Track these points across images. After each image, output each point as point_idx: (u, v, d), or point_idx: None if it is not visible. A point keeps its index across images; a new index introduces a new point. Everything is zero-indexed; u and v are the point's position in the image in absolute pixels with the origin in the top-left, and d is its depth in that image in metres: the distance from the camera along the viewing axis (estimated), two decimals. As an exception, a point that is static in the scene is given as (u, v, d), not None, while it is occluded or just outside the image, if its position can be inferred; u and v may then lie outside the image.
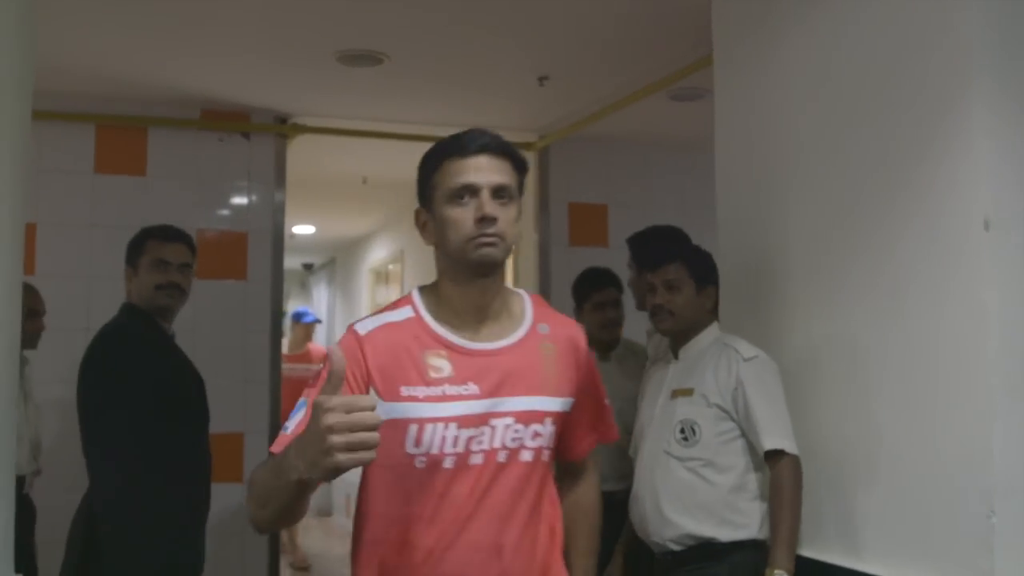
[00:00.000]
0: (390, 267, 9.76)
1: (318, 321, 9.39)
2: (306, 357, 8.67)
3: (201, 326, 5.14)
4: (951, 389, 2.47)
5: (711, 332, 3.11)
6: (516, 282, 6.30)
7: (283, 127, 5.42)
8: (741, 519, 2.88)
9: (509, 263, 6.52)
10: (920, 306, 2.57)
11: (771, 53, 3.23)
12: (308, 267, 13.59)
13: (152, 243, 3.37)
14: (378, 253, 10.00)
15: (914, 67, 2.62)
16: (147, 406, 3.15)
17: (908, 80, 2.64)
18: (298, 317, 9.03)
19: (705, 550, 2.88)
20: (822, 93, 2.99)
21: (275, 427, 5.33)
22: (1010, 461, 2.36)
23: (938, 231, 2.51)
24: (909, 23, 2.64)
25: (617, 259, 4.92)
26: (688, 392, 2.99)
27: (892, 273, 2.67)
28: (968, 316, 2.42)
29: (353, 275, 11.15)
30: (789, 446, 2.81)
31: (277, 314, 5.39)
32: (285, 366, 6.68)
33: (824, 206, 2.96)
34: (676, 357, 3.15)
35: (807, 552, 2.88)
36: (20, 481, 3.99)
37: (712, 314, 3.16)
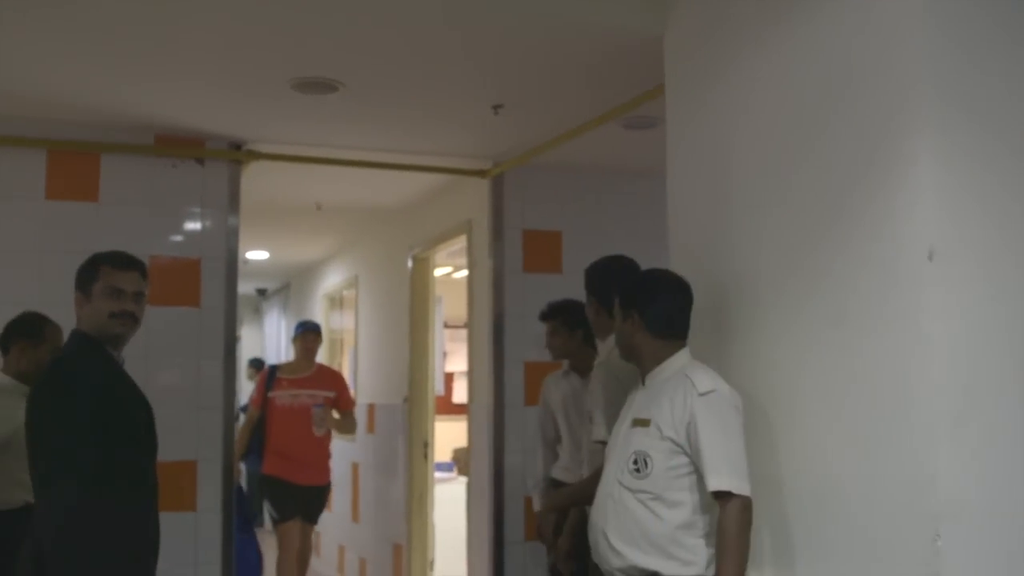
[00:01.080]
0: (344, 292, 9.74)
1: (312, 330, 7.14)
2: (316, 380, 6.90)
3: (154, 353, 5.11)
4: (896, 417, 2.51)
5: (678, 359, 3.03)
6: (471, 309, 6.32)
7: (237, 153, 5.41)
8: (687, 556, 2.85)
9: (461, 289, 6.53)
10: (866, 336, 2.61)
11: (721, 83, 3.28)
12: (262, 292, 13.53)
13: (105, 270, 3.33)
14: (332, 279, 9.98)
15: (860, 98, 2.67)
16: (97, 435, 3.12)
17: (854, 111, 2.69)
18: (299, 328, 7.15)
19: None
20: (770, 123, 3.04)
21: (229, 455, 5.30)
22: (954, 486, 2.40)
23: (883, 261, 2.56)
24: (856, 54, 2.69)
25: (571, 286, 4.96)
26: (645, 423, 2.95)
27: (838, 302, 2.71)
28: (913, 345, 2.46)
29: (307, 300, 11.12)
30: (738, 487, 2.76)
31: (231, 340, 5.35)
32: (282, 393, 6.74)
33: (771, 235, 3.01)
34: (644, 383, 3.10)
35: (757, 576, 2.91)
36: None
37: (666, 340, 3.06)
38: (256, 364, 12.55)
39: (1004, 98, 2.56)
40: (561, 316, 4.90)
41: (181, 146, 5.28)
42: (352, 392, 7.62)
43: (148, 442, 3.38)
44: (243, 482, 7.26)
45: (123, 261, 3.38)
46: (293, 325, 11.82)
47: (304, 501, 6.79)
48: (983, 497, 2.44)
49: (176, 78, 4.42)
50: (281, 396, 6.76)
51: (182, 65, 4.25)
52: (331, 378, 7.11)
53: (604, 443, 3.51)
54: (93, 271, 3.34)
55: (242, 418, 7.09)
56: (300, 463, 6.73)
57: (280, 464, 6.73)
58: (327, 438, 6.92)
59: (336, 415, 7.00)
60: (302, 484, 6.74)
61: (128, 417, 3.29)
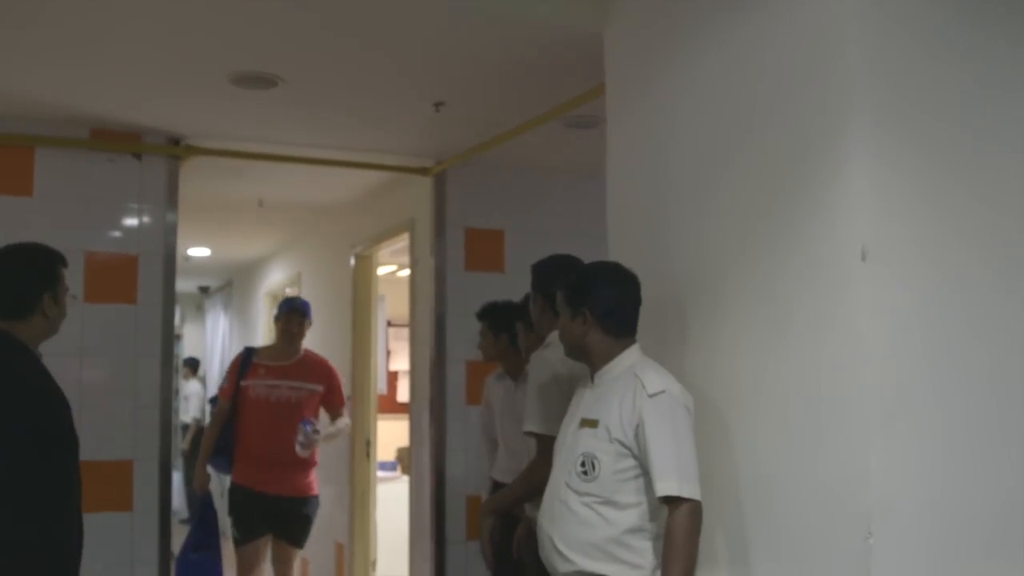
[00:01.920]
0: (287, 290, 9.65)
1: (298, 310, 5.77)
2: (300, 370, 5.65)
3: (89, 350, 5.04)
4: (829, 416, 2.53)
5: (628, 357, 2.94)
6: (412, 307, 6.29)
7: (175, 148, 5.34)
8: (635, 559, 2.79)
9: (405, 288, 6.51)
10: (800, 335, 2.64)
11: (660, 84, 3.29)
12: (204, 290, 13.37)
13: (63, 270, 3.25)
14: (275, 276, 9.90)
15: (795, 99, 2.69)
16: (19, 434, 3.02)
17: (789, 112, 2.71)
18: (283, 307, 5.80)
19: None
20: (708, 123, 3.05)
21: (166, 454, 5.22)
22: (886, 484, 2.43)
23: (818, 261, 2.58)
24: (792, 56, 2.72)
25: (513, 285, 4.96)
26: (594, 424, 2.86)
27: (774, 302, 2.73)
28: (845, 344, 2.49)
29: (250, 298, 11.01)
30: (687, 491, 2.69)
31: (169, 338, 5.28)
32: (258, 382, 5.47)
33: (709, 235, 3.02)
34: (592, 381, 3.01)
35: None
36: None
37: (617, 336, 2.96)
38: (191, 364, 12.43)
39: (932, 105, 2.61)
40: (488, 319, 4.92)
41: (117, 140, 5.20)
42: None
43: (72, 442, 3.26)
44: (219, 489, 6.20)
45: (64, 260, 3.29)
46: (235, 324, 11.79)
47: (275, 516, 5.46)
48: (913, 495, 2.48)
49: (111, 71, 4.35)
50: (256, 386, 5.47)
51: (117, 57, 4.18)
52: (319, 369, 5.73)
53: (534, 434, 3.49)
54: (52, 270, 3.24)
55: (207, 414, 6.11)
56: (272, 469, 5.41)
57: (248, 470, 5.46)
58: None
59: (329, 427, 5.71)
60: (272, 494, 5.42)
61: (50, 416, 3.19)
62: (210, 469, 5.51)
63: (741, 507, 2.84)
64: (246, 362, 5.58)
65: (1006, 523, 2.63)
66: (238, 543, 5.45)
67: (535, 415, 3.48)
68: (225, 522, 5.55)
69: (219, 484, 6.28)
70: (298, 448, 5.34)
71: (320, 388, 5.64)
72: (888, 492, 2.43)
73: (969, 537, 2.56)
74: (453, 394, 5.85)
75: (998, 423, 2.65)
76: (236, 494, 5.53)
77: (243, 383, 5.49)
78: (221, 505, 5.65)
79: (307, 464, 5.54)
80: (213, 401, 5.75)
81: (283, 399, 5.49)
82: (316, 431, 5.42)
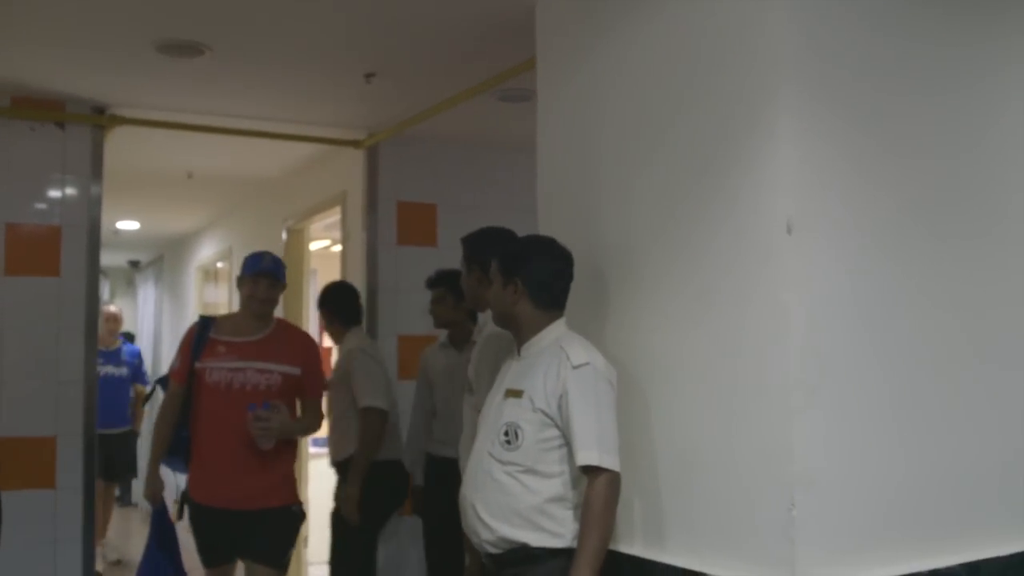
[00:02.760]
0: (218, 265, 9.54)
1: (267, 273, 4.42)
2: (272, 347, 4.39)
3: (10, 325, 4.94)
4: (754, 387, 2.54)
5: (555, 330, 2.99)
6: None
7: (100, 118, 5.22)
8: (556, 528, 2.83)
9: (336, 263, 6.45)
10: (726, 307, 2.64)
11: (590, 57, 3.27)
12: (135, 264, 13.19)
13: None
14: (206, 250, 9.78)
15: (723, 75, 2.69)
16: None
17: (719, 87, 2.70)
18: (249, 266, 4.43)
19: (520, 554, 2.85)
20: (637, 98, 3.04)
21: (90, 430, 5.13)
22: (810, 456, 2.45)
23: (745, 234, 2.59)
24: (721, 31, 2.71)
25: (446, 259, 4.93)
26: (518, 394, 2.91)
27: (701, 276, 2.74)
28: (770, 317, 2.49)
29: (181, 273, 10.87)
30: (608, 462, 2.74)
31: (93, 312, 5.18)
32: (216, 364, 4.27)
33: (638, 209, 3.02)
34: (519, 354, 3.05)
35: (615, 546, 2.92)
36: None
37: (546, 309, 3.00)
38: (128, 337, 12.24)
39: (857, 83, 2.62)
40: (448, 283, 4.83)
41: (39, 109, 5.07)
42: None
43: None
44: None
45: None
46: (167, 298, 11.62)
47: (244, 538, 4.27)
48: (836, 467, 2.50)
49: (33, 36, 4.23)
50: (215, 368, 4.26)
51: (39, 22, 4.06)
52: (297, 345, 4.49)
53: None
54: None
55: (159, 396, 4.71)
56: (234, 478, 4.24)
57: (204, 480, 4.30)
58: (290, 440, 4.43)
59: (296, 418, 4.42)
60: (235, 510, 4.23)
61: None
62: (166, 470, 4.42)
63: (664, 480, 2.85)
64: (201, 337, 4.33)
65: (927, 494, 2.67)
66: (204, 565, 4.40)
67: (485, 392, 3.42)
68: (188, 539, 4.38)
69: (177, 488, 4.90)
70: (258, 440, 4.16)
71: (296, 370, 4.37)
72: (811, 464, 2.45)
73: (890, 508, 2.60)
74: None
75: (922, 395, 2.68)
76: (193, 511, 4.35)
77: (198, 365, 4.27)
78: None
79: (279, 466, 4.33)
80: (162, 383, 4.56)
81: (249, 386, 4.25)
82: (275, 409, 4.19)
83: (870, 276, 2.60)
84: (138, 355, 8.89)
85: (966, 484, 2.75)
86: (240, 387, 4.25)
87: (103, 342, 7.66)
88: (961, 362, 2.79)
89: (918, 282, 2.70)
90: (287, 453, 4.41)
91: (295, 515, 4.40)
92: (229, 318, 4.60)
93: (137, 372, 8.63)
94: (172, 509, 4.42)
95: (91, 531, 5.12)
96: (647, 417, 2.92)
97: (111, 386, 7.96)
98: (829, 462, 2.48)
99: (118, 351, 8.40)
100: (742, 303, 2.58)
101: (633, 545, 2.93)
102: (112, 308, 8.74)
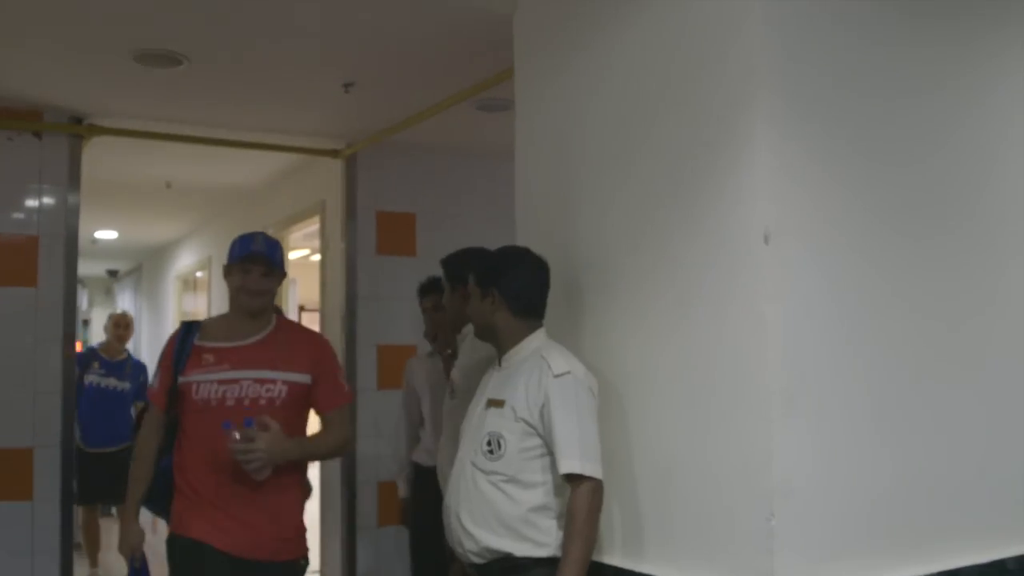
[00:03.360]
0: (197, 274, 9.51)
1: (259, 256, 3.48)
2: (271, 352, 3.46)
3: (-14, 334, 4.91)
4: (733, 398, 2.54)
5: (535, 340, 2.99)
6: (323, 291, 6.22)
7: (78, 127, 5.20)
8: (541, 537, 2.83)
9: (316, 272, 6.44)
10: (704, 316, 2.64)
11: (568, 66, 3.27)
12: (113, 273, 13.13)
13: None
14: (185, 260, 9.75)
15: (701, 82, 2.69)
16: None
17: (696, 95, 2.71)
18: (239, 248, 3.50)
19: (505, 564, 2.85)
20: (615, 108, 3.05)
21: (68, 441, 5.09)
22: (788, 466, 2.45)
23: (722, 245, 2.59)
24: (697, 40, 2.72)
25: (424, 269, 4.93)
26: (500, 403, 2.91)
27: (679, 286, 2.74)
28: (748, 327, 2.50)
29: (160, 282, 10.83)
30: (590, 470, 2.74)
31: (71, 322, 5.14)
32: (202, 376, 3.35)
33: (617, 219, 3.02)
34: (500, 364, 3.06)
35: (595, 556, 2.92)
36: None
37: (525, 319, 3.00)
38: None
39: (833, 93, 2.63)
40: (441, 289, 4.63)
41: (16, 118, 5.04)
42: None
43: None
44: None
45: None
46: (145, 308, 11.56)
47: None
48: (815, 476, 2.50)
49: (10, 44, 4.21)
50: (202, 382, 3.36)
51: (16, 32, 4.05)
52: (305, 346, 3.55)
53: None
54: None
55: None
56: (229, 517, 3.32)
57: (193, 517, 3.35)
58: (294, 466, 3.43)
59: (313, 438, 3.56)
60: (236, 556, 3.30)
61: None
62: (144, 515, 3.51)
63: (642, 489, 2.85)
64: (184, 346, 3.44)
65: (907, 502, 2.68)
66: None
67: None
68: None
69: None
70: (246, 467, 3.22)
71: (304, 378, 3.46)
72: (790, 473, 2.45)
73: (870, 517, 2.60)
74: (364, 378, 5.79)
75: (901, 403, 2.69)
76: (177, 553, 3.38)
77: (181, 380, 3.38)
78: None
79: (289, 510, 3.44)
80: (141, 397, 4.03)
81: (247, 400, 3.36)
82: (264, 426, 3.23)
83: (848, 284, 2.61)
84: (144, 371, 7.48)
85: (945, 492, 2.76)
86: (235, 403, 3.31)
87: (108, 350, 7.39)
88: (940, 369, 2.80)
89: (897, 289, 2.71)
90: (294, 489, 3.45)
91: (302, 568, 3.51)
92: (218, 320, 3.60)
93: (141, 389, 7.23)
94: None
95: (69, 543, 5.09)
96: (625, 427, 2.91)
97: (110, 401, 7.23)
98: (808, 471, 2.48)
99: (123, 363, 7.44)
100: (720, 312, 2.59)
101: (613, 555, 2.93)
102: (121, 311, 8.01)
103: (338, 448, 3.62)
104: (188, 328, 3.50)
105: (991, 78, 2.99)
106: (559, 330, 3.10)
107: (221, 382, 3.34)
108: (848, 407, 2.58)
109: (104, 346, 7.50)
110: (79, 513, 6.77)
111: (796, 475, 2.46)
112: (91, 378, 7.16)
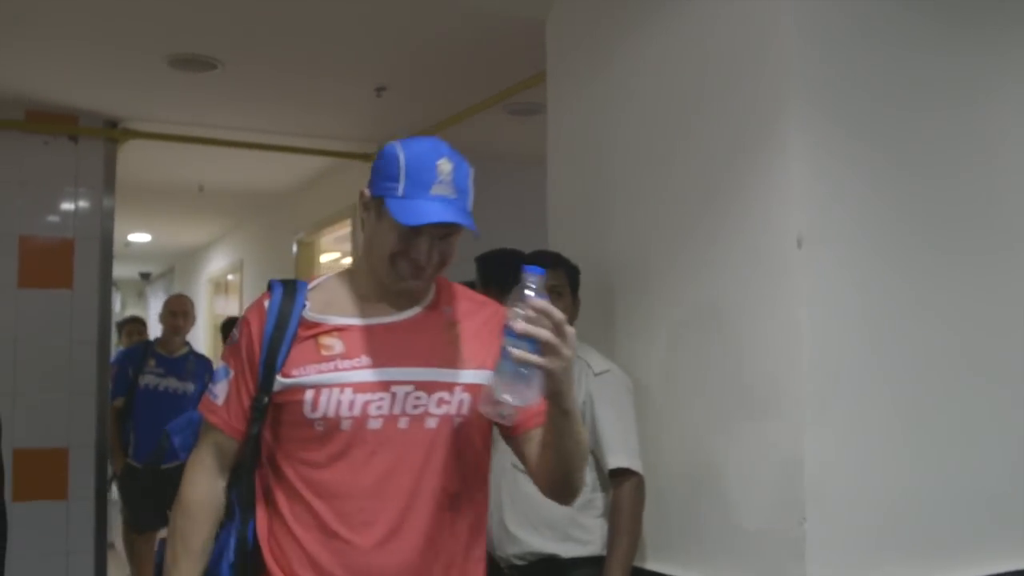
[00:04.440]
0: (229, 277, 9.58)
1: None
2: None
3: (24, 337, 4.96)
4: (766, 403, 2.54)
5: None
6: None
7: (113, 131, 5.26)
8: (585, 536, 2.83)
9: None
10: (737, 323, 2.64)
11: (602, 70, 3.28)
12: (145, 276, 13.23)
13: None
14: (217, 263, 9.81)
15: (735, 89, 2.69)
16: None
17: (729, 102, 2.71)
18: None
19: (547, 565, 2.84)
20: (648, 112, 3.05)
21: (102, 441, 5.15)
22: (820, 470, 2.44)
23: (755, 249, 2.59)
24: (731, 47, 2.72)
25: (454, 272, 4.91)
26: None
27: (712, 290, 2.74)
28: (782, 331, 2.49)
29: (192, 285, 10.90)
30: (635, 465, 2.77)
31: (105, 324, 5.20)
32: None
33: (650, 223, 3.02)
34: None
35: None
36: None
37: None
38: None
39: (867, 101, 2.62)
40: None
41: (53, 122, 5.11)
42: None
43: None
44: None
45: None
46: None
47: None
48: (848, 481, 2.49)
49: (47, 51, 4.27)
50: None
51: (53, 37, 4.10)
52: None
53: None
54: None
55: None
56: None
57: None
58: None
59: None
60: None
61: None
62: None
63: (675, 493, 2.85)
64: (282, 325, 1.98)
65: (938, 508, 2.66)
66: None
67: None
68: None
69: None
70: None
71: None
72: (823, 478, 2.45)
73: (902, 522, 2.59)
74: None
75: (932, 410, 2.68)
76: None
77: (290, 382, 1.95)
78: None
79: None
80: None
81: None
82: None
83: (880, 290, 2.60)
84: (210, 368, 5.96)
85: (979, 497, 2.74)
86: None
87: (165, 345, 5.83)
88: (972, 375, 2.78)
89: (927, 297, 2.70)
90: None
91: None
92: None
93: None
94: None
95: (103, 542, 5.14)
96: (658, 429, 2.92)
97: (169, 406, 5.53)
98: (840, 476, 2.48)
99: (183, 360, 5.89)
100: (753, 317, 2.59)
101: (645, 559, 2.92)
102: (178, 294, 6.62)
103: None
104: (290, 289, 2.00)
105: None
106: (592, 333, 3.10)
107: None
108: (879, 413, 2.57)
109: (161, 340, 5.91)
110: (130, 541, 5.92)
111: (828, 480, 2.46)
112: (147, 379, 5.68)
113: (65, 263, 5.12)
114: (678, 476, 2.85)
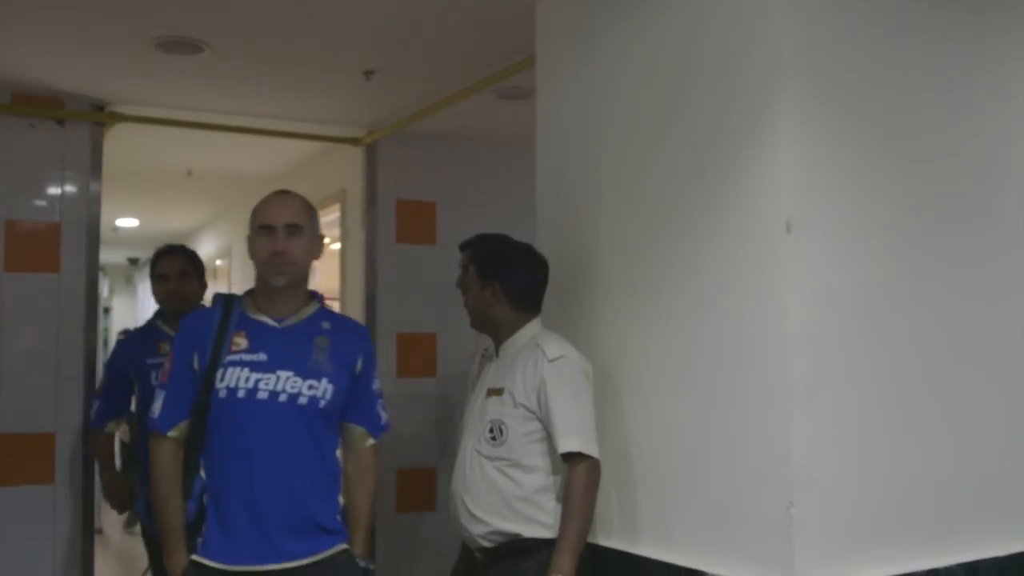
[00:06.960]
0: (217, 263, 9.54)
1: None
2: None
3: (10, 321, 4.93)
4: (753, 387, 2.54)
5: (529, 330, 3.10)
6: (343, 280, 6.23)
7: (99, 115, 5.21)
8: (546, 518, 2.91)
9: (336, 260, 6.45)
10: (725, 306, 2.64)
11: (590, 55, 3.27)
12: (134, 261, 13.17)
13: None
14: (205, 248, 9.77)
15: (725, 74, 2.69)
16: None
17: (719, 86, 2.70)
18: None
19: (514, 546, 2.92)
20: (637, 98, 3.04)
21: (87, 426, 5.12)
22: (808, 455, 2.45)
23: (743, 233, 2.59)
24: (721, 31, 2.71)
25: (444, 257, 4.92)
26: (499, 392, 3.02)
27: (701, 274, 2.74)
28: (769, 316, 2.49)
29: (180, 270, 10.85)
30: (587, 448, 2.83)
31: (92, 309, 5.17)
32: None
33: (637, 209, 3.02)
34: (497, 355, 3.16)
35: (618, 544, 2.94)
36: None
37: (523, 311, 3.12)
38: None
39: (858, 85, 2.63)
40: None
41: (39, 105, 5.06)
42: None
43: None
44: None
45: None
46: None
47: None
48: (835, 465, 2.50)
49: (32, 33, 4.22)
50: None
51: (38, 19, 4.06)
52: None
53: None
54: None
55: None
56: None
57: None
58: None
59: None
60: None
61: None
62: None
63: (664, 478, 2.85)
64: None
65: (926, 493, 2.67)
66: None
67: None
68: None
69: None
70: None
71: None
72: (810, 463, 2.45)
73: (889, 508, 2.60)
74: (385, 366, 5.78)
75: (921, 395, 2.68)
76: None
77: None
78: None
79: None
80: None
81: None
82: None
83: (869, 275, 2.60)
84: None
85: (965, 483, 2.76)
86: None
87: (174, 324, 4.16)
88: (960, 361, 2.79)
89: (917, 282, 2.70)
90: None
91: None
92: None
93: None
94: None
95: (91, 527, 5.12)
96: (646, 416, 2.92)
97: None
98: (828, 461, 2.48)
99: None
100: (741, 302, 2.58)
101: (636, 544, 2.93)
102: (167, 252, 4.58)
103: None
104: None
105: (1020, 74, 2.97)
106: (578, 320, 3.11)
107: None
108: (868, 398, 2.58)
109: (167, 319, 4.42)
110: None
111: (816, 465, 2.46)
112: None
113: (52, 247, 5.08)
114: (668, 461, 2.85)
